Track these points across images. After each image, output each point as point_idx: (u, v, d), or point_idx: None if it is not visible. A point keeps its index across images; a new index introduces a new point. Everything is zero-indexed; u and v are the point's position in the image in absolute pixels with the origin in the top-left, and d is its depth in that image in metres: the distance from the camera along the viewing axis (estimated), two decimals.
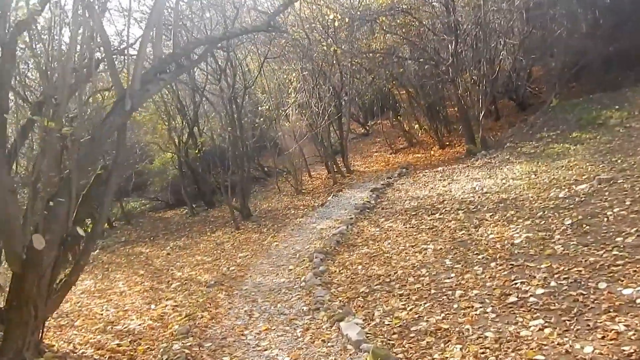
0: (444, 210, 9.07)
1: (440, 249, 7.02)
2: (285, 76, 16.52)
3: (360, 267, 7.21)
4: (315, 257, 7.91)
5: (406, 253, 7.27)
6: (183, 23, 11.60)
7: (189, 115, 16.61)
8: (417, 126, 18.74)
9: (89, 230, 6.49)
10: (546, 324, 4.30)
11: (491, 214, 7.99)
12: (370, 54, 15.36)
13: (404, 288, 5.92)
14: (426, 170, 13.56)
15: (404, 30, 14.36)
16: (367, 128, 22.89)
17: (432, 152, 16.48)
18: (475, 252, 6.49)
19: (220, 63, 13.78)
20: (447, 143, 16.66)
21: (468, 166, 12.33)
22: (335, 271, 7.29)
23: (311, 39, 14.66)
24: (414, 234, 8.20)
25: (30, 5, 5.93)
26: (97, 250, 14.13)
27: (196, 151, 15.69)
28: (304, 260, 8.19)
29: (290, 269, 7.93)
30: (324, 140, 15.82)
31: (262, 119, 16.16)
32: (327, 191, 14.73)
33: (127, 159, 20.15)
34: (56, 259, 5.60)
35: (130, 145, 20.35)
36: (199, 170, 16.92)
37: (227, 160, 14.48)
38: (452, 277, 5.84)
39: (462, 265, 6.15)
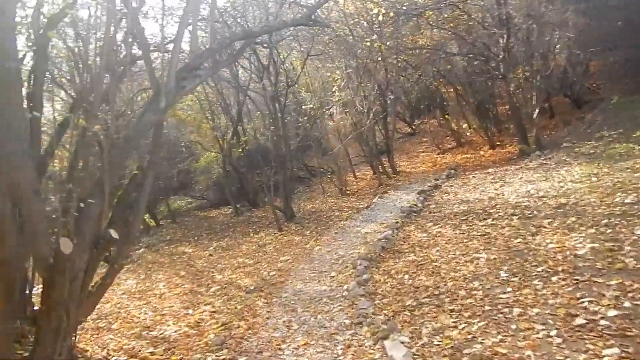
0: (496, 216, 8.42)
1: (494, 258, 6.42)
2: (328, 74, 16.08)
3: (406, 276, 6.70)
4: (359, 264, 7.45)
5: (456, 262, 6.70)
6: (224, 20, 11.33)
7: (233, 114, 16.42)
8: (465, 125, 17.94)
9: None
10: (623, 355, 3.71)
11: (549, 220, 7.31)
12: (417, 50, 14.69)
13: (455, 303, 5.37)
14: (476, 172, 12.84)
15: (451, 24, 13.64)
16: (414, 127, 22.19)
17: (482, 153, 15.69)
18: (533, 264, 5.86)
19: (263, 61, 13.51)
20: (498, 143, 15.84)
21: (521, 167, 11.55)
22: (379, 280, 6.81)
23: (355, 35, 14.16)
24: (465, 240, 7.61)
25: None
26: (142, 249, 14.14)
27: (239, 150, 15.46)
28: (347, 266, 7.74)
29: (333, 276, 7.49)
30: (369, 139, 15.28)
31: (305, 118, 15.77)
32: (372, 192, 14.22)
33: (173, 158, 20.29)
34: (89, 262, 5.39)
35: (175, 144, 20.53)
36: (243, 170, 16.73)
37: (270, 159, 14.19)
38: (508, 292, 5.26)
39: (519, 279, 5.55)
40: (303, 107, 16.08)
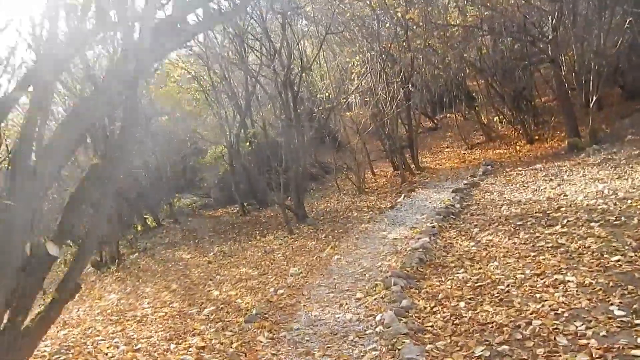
0: (565, 222, 6.49)
1: (590, 283, 4.50)
2: (347, 59, 14.15)
3: (462, 304, 4.80)
4: (394, 283, 5.57)
5: (532, 286, 4.80)
6: None
7: (241, 103, 14.57)
8: (497, 118, 15.94)
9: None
10: None
11: None
12: (448, 32, 12.62)
13: (557, 358, 3.47)
14: (519, 168, 10.86)
15: (489, 2, 11.61)
16: (436, 122, 20.20)
17: (518, 148, 13.70)
18: None
19: (274, 43, 11.67)
20: (537, 137, 13.83)
21: (579, 163, 9.56)
22: (425, 308, 4.91)
23: (379, 13, 12.24)
24: (532, 254, 5.69)
25: None
26: (137, 254, 12.37)
27: (247, 143, 13.62)
28: (376, 285, 5.86)
29: (359, 298, 5.61)
30: (391, 132, 13.35)
31: (320, 108, 13.89)
32: (394, 191, 12.35)
33: (177, 153, 18.56)
34: (17, 290, 3.66)
35: (179, 138, 18.83)
36: (251, 166, 14.89)
37: (281, 154, 12.36)
38: None
39: None
40: (318, 96, 14.20)
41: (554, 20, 10.44)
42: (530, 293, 4.66)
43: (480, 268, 5.70)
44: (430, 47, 14.27)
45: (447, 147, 16.95)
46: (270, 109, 15.32)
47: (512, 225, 7.00)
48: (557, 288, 4.62)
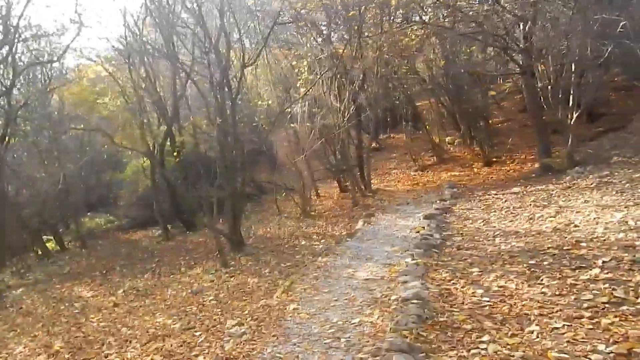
0: (601, 263, 4.73)
1: None
2: (294, 62, 12.10)
3: None
4: None
5: None
6: None
7: (167, 108, 12.10)
8: (448, 139, 14.49)
9: None
10: None
11: None
12: (404, 39, 10.89)
13: None
14: (493, 192, 9.21)
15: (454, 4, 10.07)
16: (379, 143, 18.55)
17: (476, 170, 12.23)
18: None
19: (210, 35, 9.41)
20: (494, 159, 12.42)
21: (569, 187, 8.00)
22: None
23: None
24: (584, 313, 3.85)
25: None
26: (23, 289, 9.46)
27: (174, 155, 11.15)
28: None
29: None
30: (343, 148, 11.41)
31: (262, 117, 11.72)
32: (346, 215, 10.40)
33: (93, 166, 15.68)
34: None
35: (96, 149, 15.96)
36: (177, 181, 12.37)
37: (213, 169, 10.05)
38: None
39: None
40: (259, 103, 12.03)
41: (528, 26, 8.96)
42: None
43: (512, 334, 3.76)
44: (382, 59, 12.58)
45: (394, 169, 15.28)
46: (203, 112, 12.97)
47: (524, 265, 5.17)
48: None
